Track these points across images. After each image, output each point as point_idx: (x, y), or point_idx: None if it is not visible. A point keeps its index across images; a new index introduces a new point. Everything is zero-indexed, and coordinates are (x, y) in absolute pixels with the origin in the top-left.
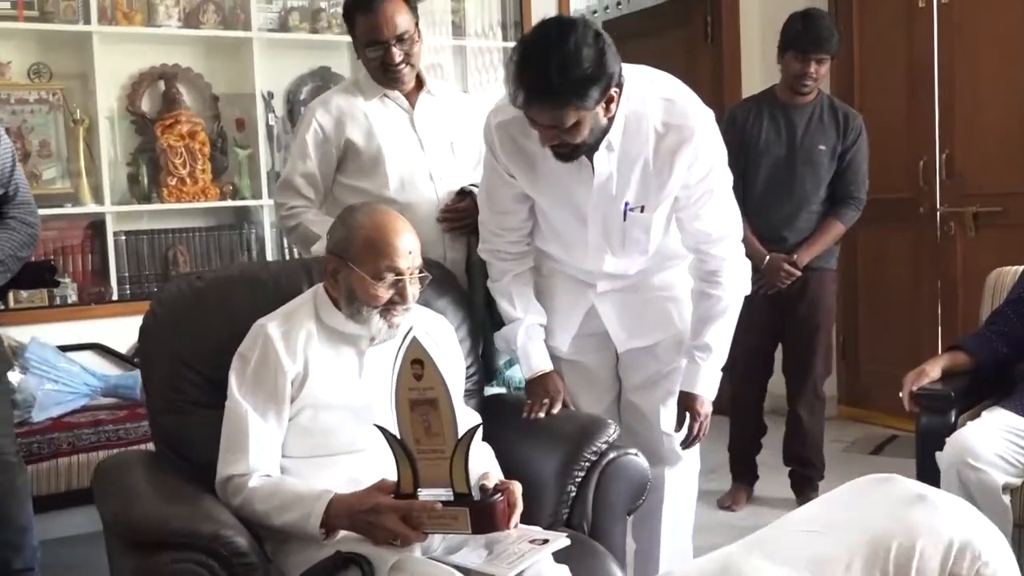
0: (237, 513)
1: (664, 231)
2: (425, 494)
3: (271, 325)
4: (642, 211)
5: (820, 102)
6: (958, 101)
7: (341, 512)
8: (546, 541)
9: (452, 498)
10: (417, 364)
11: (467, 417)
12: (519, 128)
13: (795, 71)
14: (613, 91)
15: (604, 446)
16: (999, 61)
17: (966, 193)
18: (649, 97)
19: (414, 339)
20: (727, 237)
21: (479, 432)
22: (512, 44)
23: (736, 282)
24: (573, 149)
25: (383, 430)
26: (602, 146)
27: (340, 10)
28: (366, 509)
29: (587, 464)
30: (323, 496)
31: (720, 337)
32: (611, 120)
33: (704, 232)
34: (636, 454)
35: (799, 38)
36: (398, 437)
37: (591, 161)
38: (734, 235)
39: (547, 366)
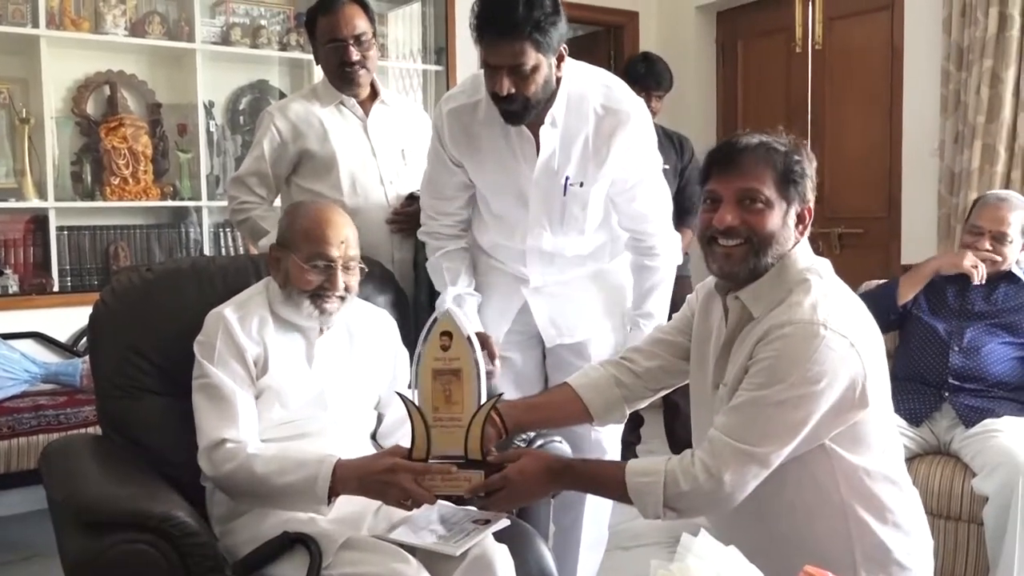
0: (226, 479)
1: (600, 214)
2: (434, 460)
3: (227, 311)
4: (581, 186)
5: (656, 131)
6: (827, 135)
7: (348, 475)
8: (488, 521)
9: (464, 463)
10: (446, 336)
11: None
12: (469, 114)
13: None
14: (564, 48)
15: (532, 433)
16: (863, 102)
17: (833, 216)
18: (589, 81)
19: (447, 312)
20: (660, 215)
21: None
22: (431, 67)
23: (670, 253)
24: (522, 107)
25: (403, 397)
26: (547, 122)
27: (279, 27)
28: (382, 469)
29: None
30: (327, 460)
31: (660, 304)
32: (558, 83)
33: (640, 213)
34: (560, 441)
35: (642, 77)
36: (416, 404)
37: (536, 136)
38: (666, 212)
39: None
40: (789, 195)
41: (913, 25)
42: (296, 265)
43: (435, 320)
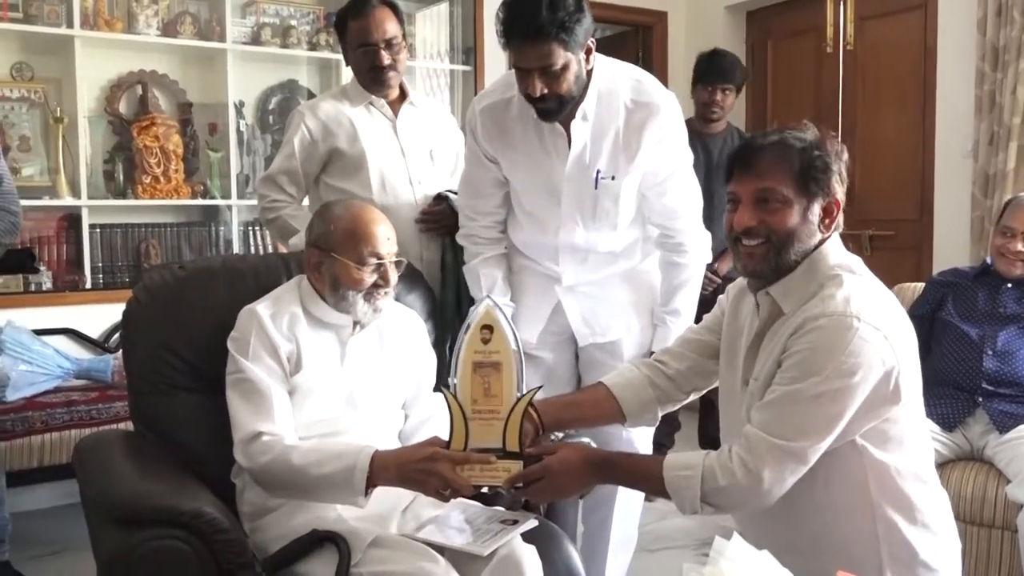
0: (263, 471)
1: (632, 209)
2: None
3: (259, 308)
4: (612, 179)
5: (730, 131)
6: (859, 137)
7: (388, 464)
8: (516, 522)
9: (503, 454)
10: (487, 329)
11: (438, 403)
12: (502, 110)
13: (704, 99)
14: (591, 41)
15: (560, 433)
16: (895, 103)
17: (863, 218)
18: (619, 76)
19: (488, 305)
20: (690, 211)
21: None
22: (459, 67)
23: (699, 250)
24: (557, 104)
25: (443, 389)
26: (578, 116)
27: (308, 27)
28: (422, 457)
29: None
30: (365, 450)
31: (688, 301)
32: (589, 76)
33: (670, 208)
34: (589, 442)
35: (707, 71)
36: (456, 396)
37: (568, 131)
38: (696, 209)
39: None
40: (810, 191)
41: (946, 25)
42: (347, 267)
43: (480, 312)
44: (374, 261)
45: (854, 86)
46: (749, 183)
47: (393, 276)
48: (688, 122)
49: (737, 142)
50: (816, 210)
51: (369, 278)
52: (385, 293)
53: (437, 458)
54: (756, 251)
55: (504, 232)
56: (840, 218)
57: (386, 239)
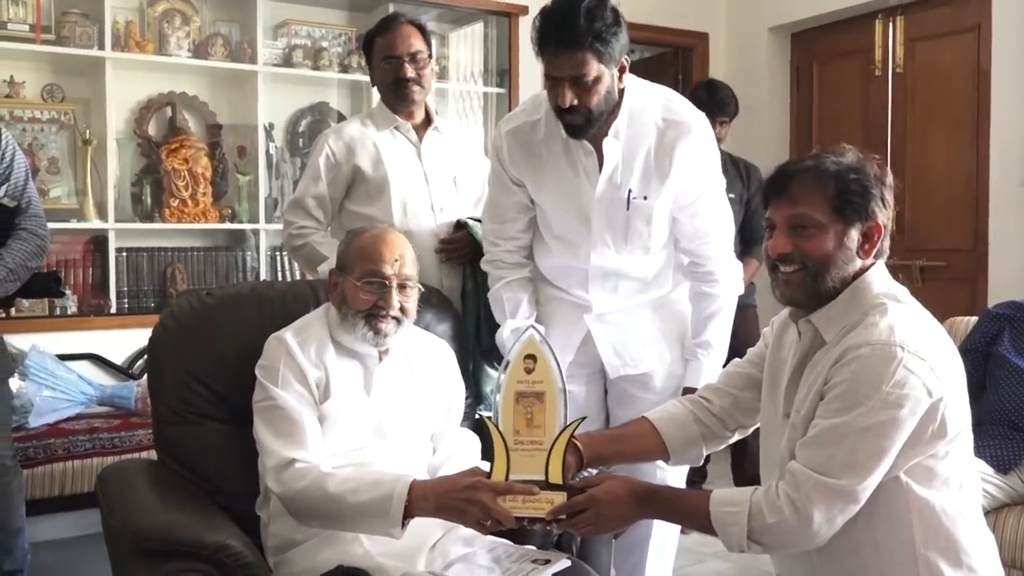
0: (297, 498)
1: (664, 232)
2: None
3: (287, 335)
4: (644, 199)
5: (723, 159)
6: (909, 163)
7: (427, 493)
8: (548, 561)
9: (545, 486)
10: (530, 359)
11: (465, 439)
12: (528, 133)
13: None
14: (626, 59)
15: (595, 469)
16: (947, 128)
17: (914, 248)
18: (650, 96)
19: (531, 334)
20: (722, 235)
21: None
22: (493, 90)
23: (730, 280)
24: (585, 119)
25: (488, 419)
26: (610, 134)
27: (340, 49)
28: (464, 487)
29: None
30: (403, 478)
31: (719, 333)
32: (621, 95)
33: (701, 230)
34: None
35: (704, 103)
36: (498, 427)
37: (599, 149)
38: (727, 235)
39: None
40: (846, 216)
41: (1001, 47)
42: (351, 285)
43: (522, 342)
44: (375, 280)
45: (904, 110)
46: (784, 208)
47: (395, 300)
48: None
49: (731, 167)
50: (854, 235)
51: (368, 297)
52: (394, 319)
53: (479, 487)
54: (793, 278)
55: (528, 257)
56: (885, 244)
57: (393, 260)
